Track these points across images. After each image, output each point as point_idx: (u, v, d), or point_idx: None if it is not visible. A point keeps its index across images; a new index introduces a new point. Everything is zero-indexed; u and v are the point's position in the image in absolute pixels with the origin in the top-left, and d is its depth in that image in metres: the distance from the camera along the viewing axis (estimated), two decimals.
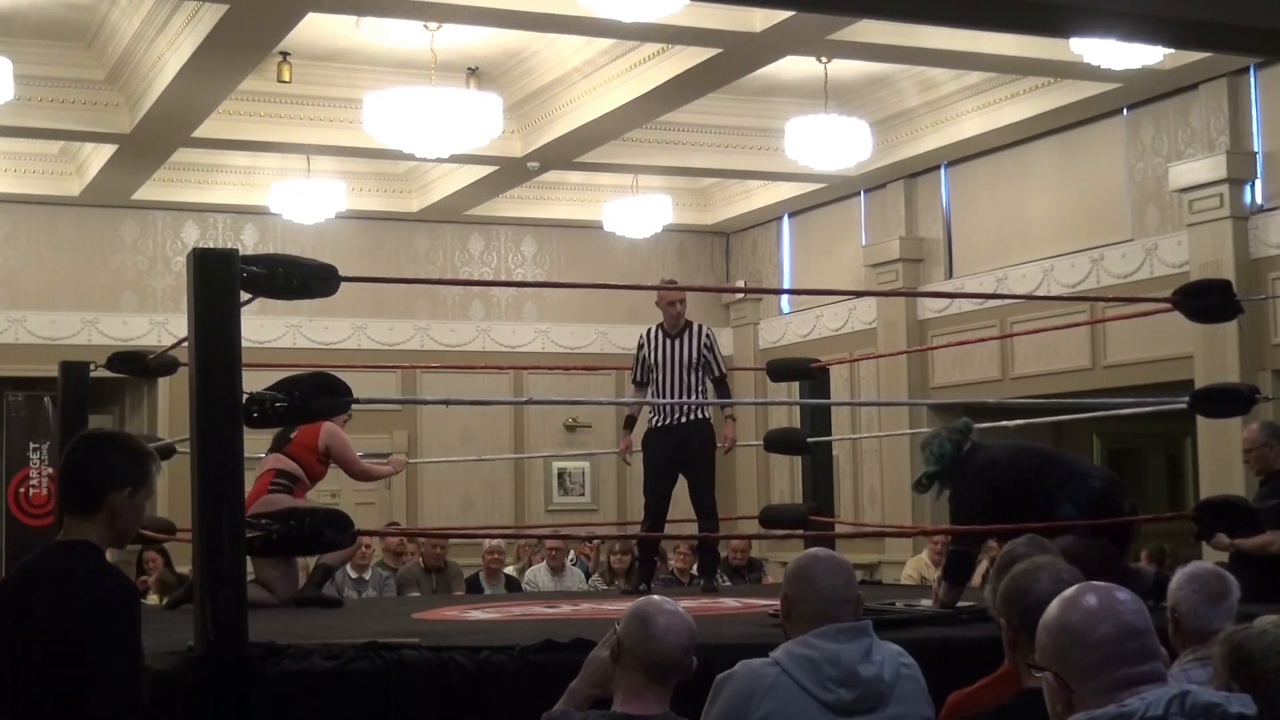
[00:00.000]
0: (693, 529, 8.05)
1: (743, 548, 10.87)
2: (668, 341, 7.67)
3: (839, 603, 3.37)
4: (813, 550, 3.55)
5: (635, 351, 7.84)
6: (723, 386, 7.78)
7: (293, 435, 7.09)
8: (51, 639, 2.94)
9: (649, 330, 7.79)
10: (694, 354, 7.61)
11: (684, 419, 7.59)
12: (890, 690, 3.29)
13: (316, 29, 9.89)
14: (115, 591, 3.04)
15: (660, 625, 3.20)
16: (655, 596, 3.34)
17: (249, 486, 6.96)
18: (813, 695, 3.22)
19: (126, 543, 3.16)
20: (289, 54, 10.34)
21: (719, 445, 7.84)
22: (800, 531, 8.16)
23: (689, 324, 7.74)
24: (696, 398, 7.61)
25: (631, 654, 3.19)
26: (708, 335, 7.72)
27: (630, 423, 8.00)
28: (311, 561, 9.67)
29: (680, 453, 7.59)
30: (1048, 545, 3.62)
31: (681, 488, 7.78)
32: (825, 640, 3.28)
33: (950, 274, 12.49)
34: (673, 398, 7.56)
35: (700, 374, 7.64)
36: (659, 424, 7.70)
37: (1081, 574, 3.03)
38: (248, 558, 4.42)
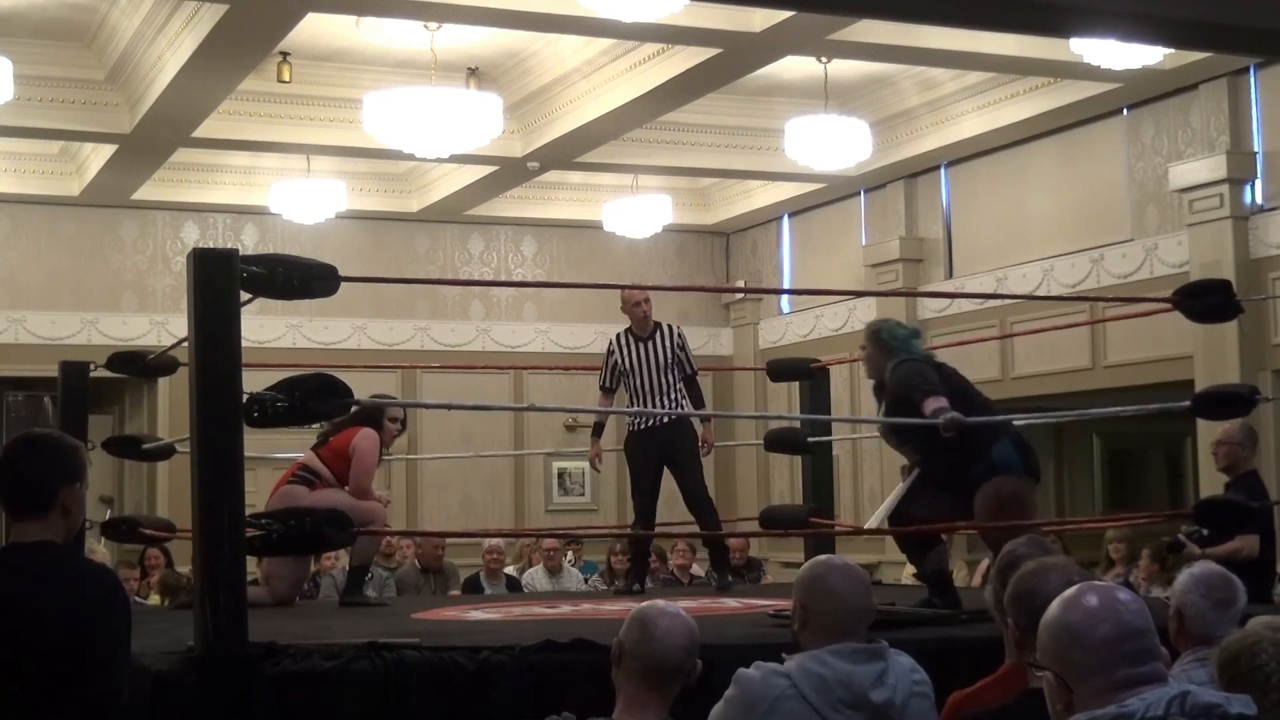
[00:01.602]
0: (692, 528, 8.06)
1: (742, 547, 10.87)
2: (639, 345, 7.71)
3: (857, 614, 3.35)
4: (827, 558, 3.50)
5: (604, 358, 7.87)
6: (694, 385, 7.81)
7: (331, 439, 7.12)
8: (66, 636, 2.95)
9: (618, 336, 7.81)
10: (668, 354, 7.67)
11: (666, 419, 7.65)
12: (901, 714, 3.27)
13: (316, 29, 9.89)
14: (119, 586, 3.13)
15: (661, 628, 3.19)
16: (658, 601, 3.32)
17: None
18: (820, 714, 3.20)
19: (73, 535, 3.20)
20: (289, 54, 10.34)
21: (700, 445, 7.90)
22: (802, 530, 8.19)
23: (658, 325, 7.78)
24: (676, 396, 7.67)
25: (632, 657, 3.17)
26: (679, 335, 7.78)
27: (599, 430, 8.03)
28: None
29: (665, 453, 7.66)
30: (1049, 546, 3.62)
31: (672, 487, 7.79)
32: (840, 660, 3.25)
33: (950, 274, 12.49)
34: (652, 399, 7.61)
35: (675, 373, 7.69)
36: (641, 427, 7.76)
37: (1090, 576, 3.02)
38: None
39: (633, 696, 3.17)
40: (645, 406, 7.69)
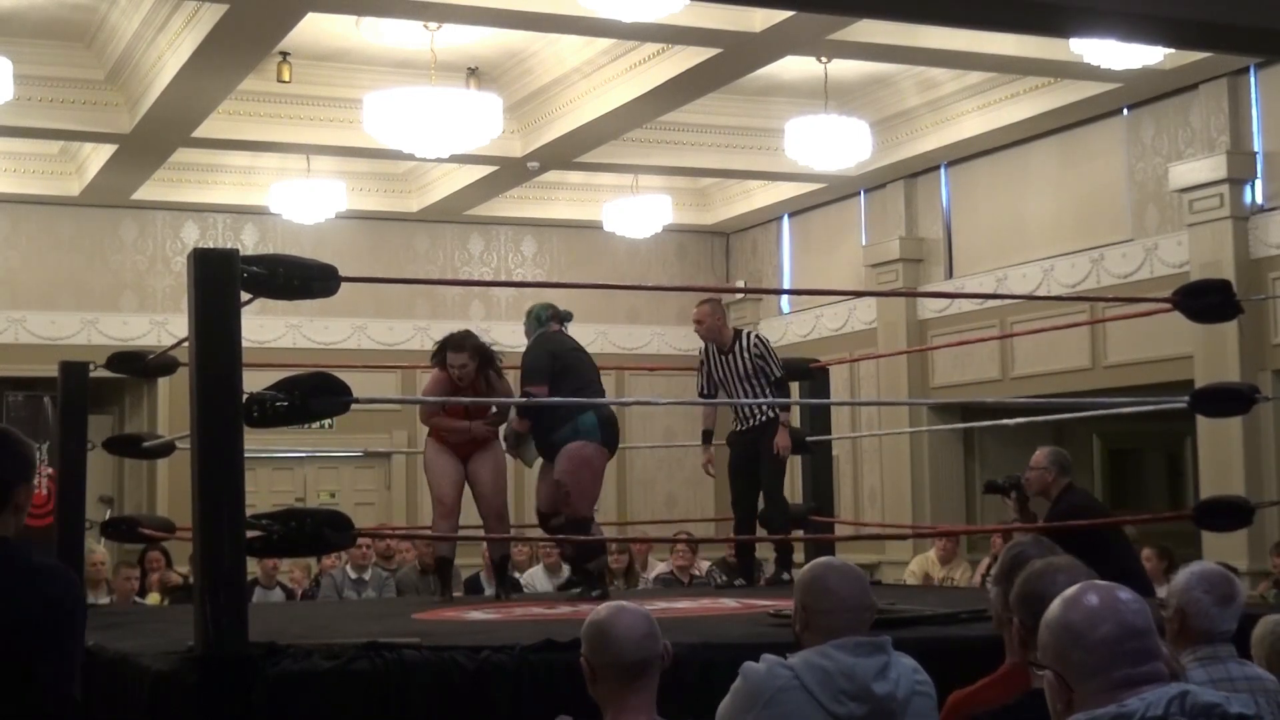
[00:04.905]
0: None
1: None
2: (722, 358, 7.93)
3: (857, 612, 3.37)
4: (826, 559, 3.52)
5: (699, 368, 8.11)
6: (780, 388, 7.95)
7: None
8: (23, 631, 2.91)
9: (705, 346, 8.04)
10: (748, 365, 7.85)
11: (756, 422, 7.92)
12: (903, 708, 3.28)
13: (316, 29, 9.89)
14: (76, 583, 3.11)
15: (619, 627, 3.16)
16: (603, 605, 3.30)
17: None
18: (823, 706, 3.21)
19: (18, 534, 3.18)
20: (289, 54, 10.34)
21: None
22: (801, 532, 8.27)
23: (738, 334, 7.97)
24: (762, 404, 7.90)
25: (601, 666, 3.16)
26: (757, 344, 7.91)
27: (707, 437, 8.29)
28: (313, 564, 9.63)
29: (754, 451, 7.93)
30: (1055, 546, 3.61)
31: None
32: (843, 653, 3.27)
33: (950, 274, 12.49)
34: (737, 409, 7.98)
35: (760, 381, 7.84)
36: (738, 428, 8.06)
37: (1098, 575, 3.01)
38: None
39: (617, 703, 3.15)
40: (737, 411, 8.04)
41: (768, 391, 7.81)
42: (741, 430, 8.02)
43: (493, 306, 14.29)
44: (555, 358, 7.00)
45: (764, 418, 7.89)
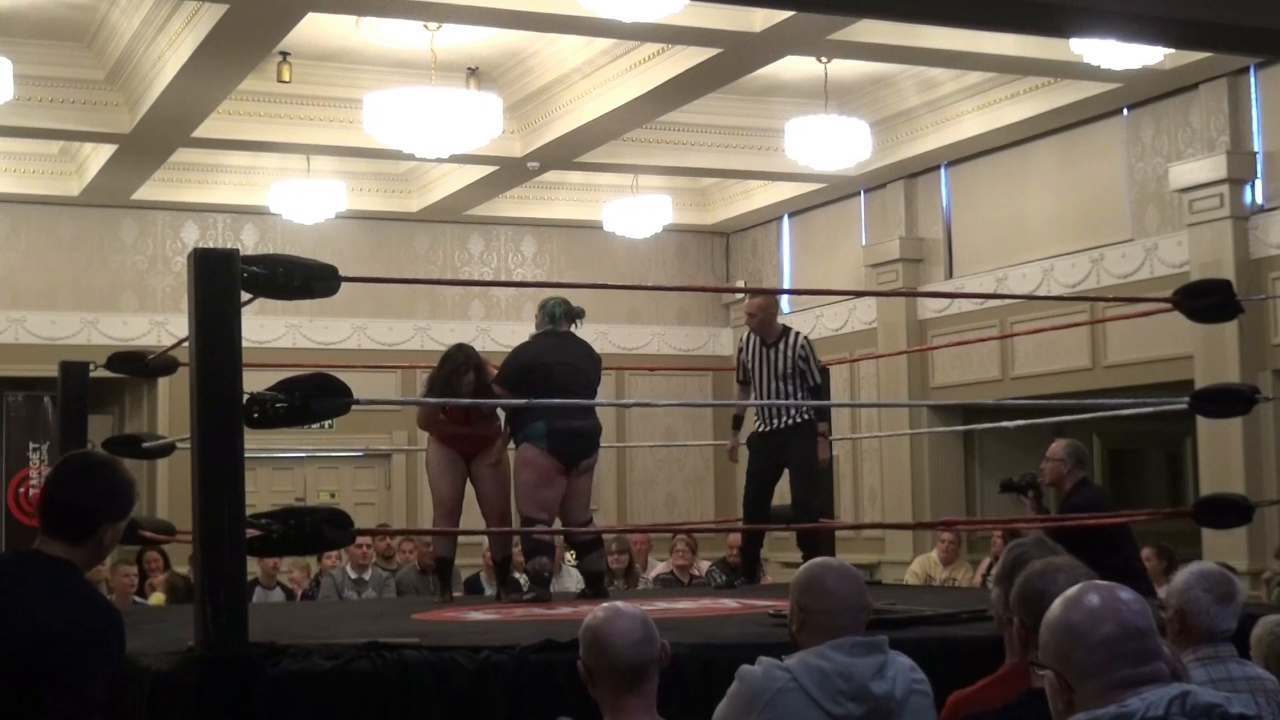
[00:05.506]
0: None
1: (739, 545, 10.84)
2: (763, 350, 7.76)
3: (854, 612, 3.37)
4: (823, 559, 3.53)
5: (736, 354, 8.02)
6: (816, 395, 7.77)
7: None
8: (58, 653, 2.90)
9: (747, 334, 7.90)
10: (788, 364, 7.68)
11: (783, 424, 7.71)
12: (900, 707, 3.28)
13: (316, 29, 9.89)
14: (121, 622, 3.08)
15: (617, 631, 3.15)
16: (599, 607, 3.28)
17: None
18: (821, 707, 3.21)
19: (92, 568, 3.16)
20: (289, 54, 10.34)
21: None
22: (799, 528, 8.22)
23: (785, 332, 7.79)
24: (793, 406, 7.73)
25: (600, 671, 3.15)
26: (803, 345, 7.73)
27: (737, 423, 8.18)
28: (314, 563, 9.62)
29: (780, 455, 7.74)
30: (1056, 546, 3.61)
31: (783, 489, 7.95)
32: (839, 653, 3.27)
33: (950, 274, 12.49)
34: (768, 410, 7.76)
35: (796, 382, 7.68)
36: (762, 429, 7.85)
37: (1100, 572, 3.01)
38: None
39: (617, 705, 3.13)
40: (762, 410, 7.84)
41: (801, 395, 7.64)
42: (766, 432, 7.80)
43: (493, 306, 14.29)
44: (529, 371, 6.92)
45: (790, 421, 7.69)
